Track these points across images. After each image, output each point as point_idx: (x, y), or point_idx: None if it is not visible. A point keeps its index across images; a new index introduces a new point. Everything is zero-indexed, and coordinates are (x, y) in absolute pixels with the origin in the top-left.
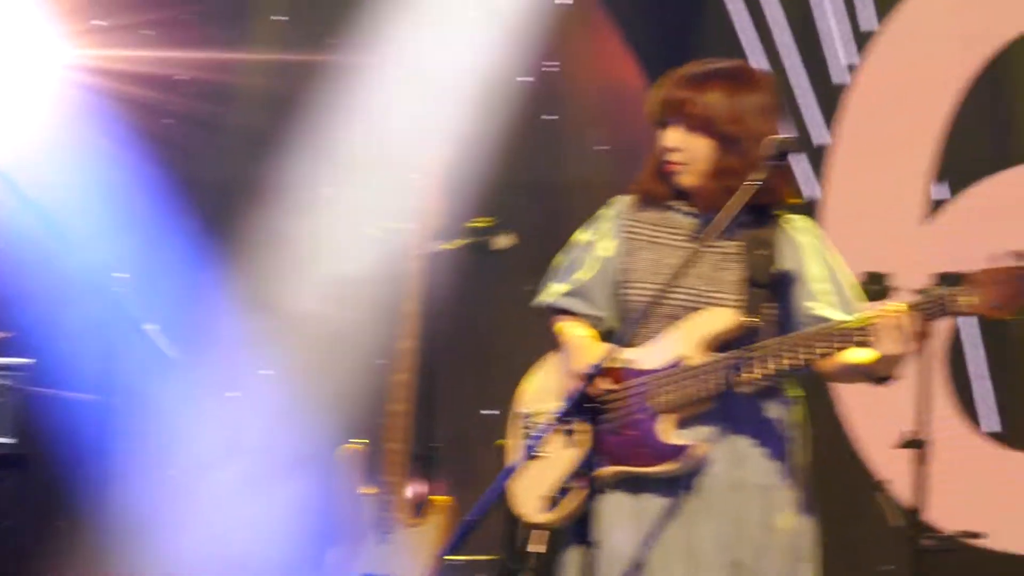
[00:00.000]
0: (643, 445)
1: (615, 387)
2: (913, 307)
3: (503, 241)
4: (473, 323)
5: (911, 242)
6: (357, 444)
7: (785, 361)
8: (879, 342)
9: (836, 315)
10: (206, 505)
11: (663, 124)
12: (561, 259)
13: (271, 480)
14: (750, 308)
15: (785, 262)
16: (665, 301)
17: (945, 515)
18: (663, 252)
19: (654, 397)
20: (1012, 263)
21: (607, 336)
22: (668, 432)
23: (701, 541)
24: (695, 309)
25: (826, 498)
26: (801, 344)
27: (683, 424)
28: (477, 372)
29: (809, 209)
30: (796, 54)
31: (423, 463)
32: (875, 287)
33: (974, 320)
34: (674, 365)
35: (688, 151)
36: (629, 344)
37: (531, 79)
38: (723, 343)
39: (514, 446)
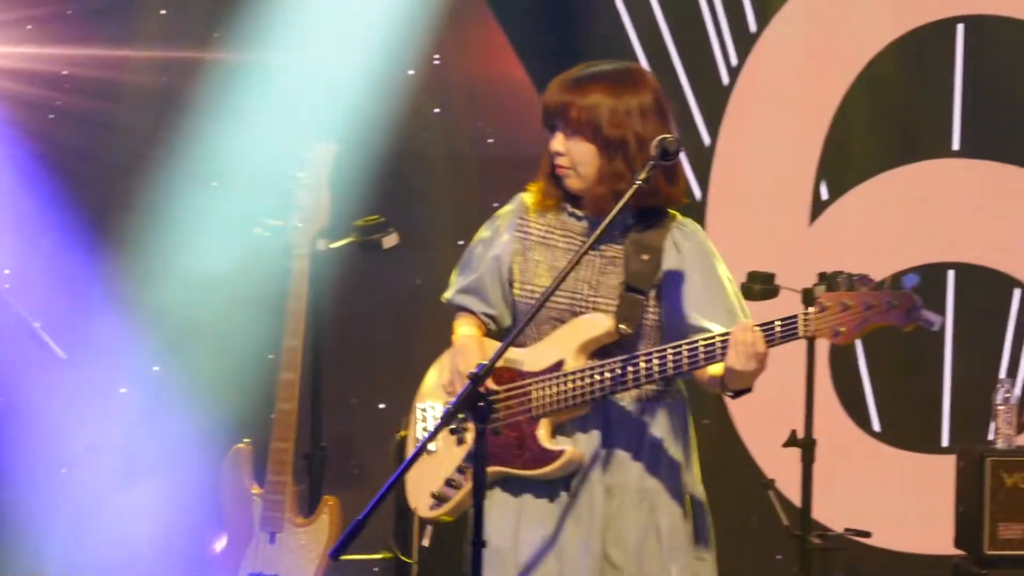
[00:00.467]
0: (522, 447)
1: (497, 388)
2: (761, 327)
3: (390, 240)
4: (361, 321)
5: (798, 242)
6: (244, 443)
7: (656, 370)
8: (728, 357)
9: (716, 326)
10: (91, 504)
11: (551, 128)
12: (466, 253)
13: (157, 479)
14: (626, 314)
15: (670, 267)
16: (551, 304)
17: (833, 513)
18: (555, 254)
19: (534, 400)
20: (862, 290)
21: (503, 335)
22: (545, 436)
23: (570, 543)
24: (577, 313)
25: (719, 497)
26: (672, 354)
27: (563, 428)
28: (365, 371)
29: (694, 209)
30: (683, 55)
31: (311, 462)
32: (761, 286)
33: None
34: (554, 368)
35: (573, 155)
36: (518, 345)
37: (416, 73)
38: (601, 348)
39: (412, 440)
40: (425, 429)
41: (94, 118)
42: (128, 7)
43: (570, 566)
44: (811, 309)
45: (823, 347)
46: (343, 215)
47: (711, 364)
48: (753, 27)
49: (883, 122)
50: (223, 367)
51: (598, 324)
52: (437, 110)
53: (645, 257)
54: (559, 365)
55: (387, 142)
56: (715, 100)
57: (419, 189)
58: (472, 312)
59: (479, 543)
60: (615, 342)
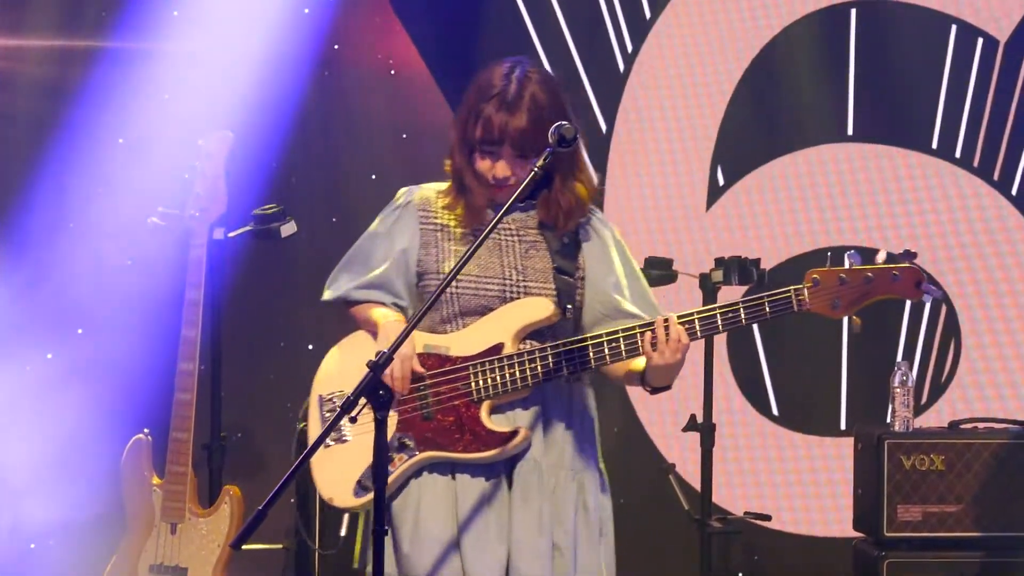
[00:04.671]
0: (461, 431)
1: (423, 372)
2: (683, 320)
3: (288, 228)
4: (260, 311)
5: (694, 228)
6: (143, 434)
7: (593, 355)
8: (651, 351)
9: (641, 313)
10: None
11: (491, 154)
12: (355, 250)
13: (58, 469)
14: (564, 297)
15: (592, 251)
16: (479, 292)
17: (733, 497)
18: (467, 244)
19: (475, 383)
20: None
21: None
22: (487, 419)
23: (521, 526)
24: (509, 299)
25: (620, 480)
26: (610, 340)
27: (498, 411)
28: (266, 360)
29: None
30: (579, 42)
31: (211, 453)
32: (659, 272)
33: None
34: (492, 352)
35: (519, 174)
36: (440, 333)
37: (314, 59)
38: (536, 331)
39: (314, 430)
40: (328, 418)
41: None
42: None
43: (523, 549)
44: (803, 284)
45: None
46: (241, 204)
47: (646, 354)
48: (648, 13)
49: (778, 107)
50: (121, 358)
51: (541, 308)
52: (342, 102)
53: (566, 240)
54: (498, 348)
55: (284, 131)
56: (611, 87)
57: (315, 179)
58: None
59: (381, 531)
60: (547, 326)
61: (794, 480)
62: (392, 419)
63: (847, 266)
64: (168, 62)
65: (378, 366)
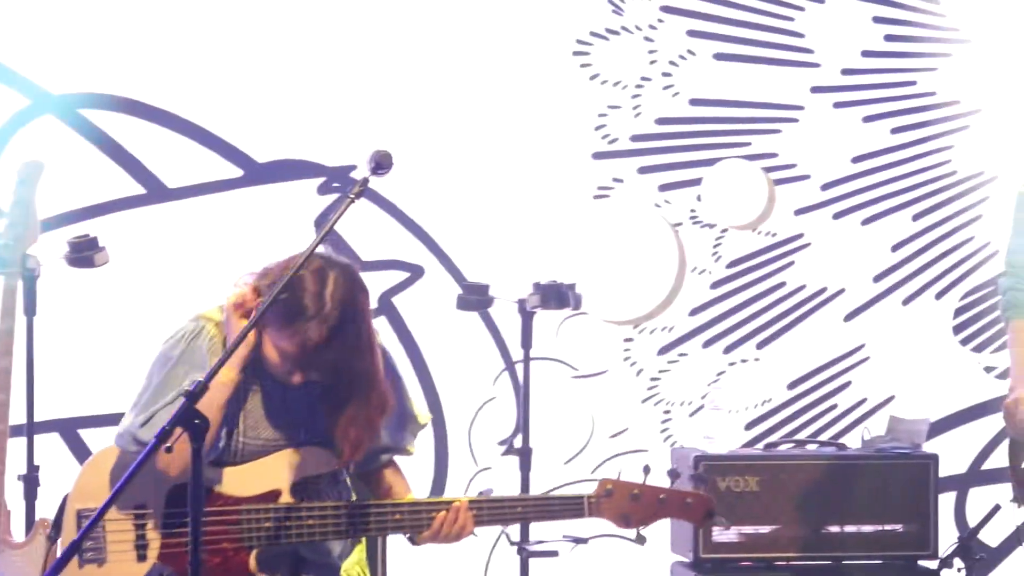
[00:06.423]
0: (225, 574)
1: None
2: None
3: (101, 257)
4: (75, 340)
5: None
6: None
7: (374, 524)
8: (430, 531)
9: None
10: None
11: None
12: (148, 381)
13: None
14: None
15: None
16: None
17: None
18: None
19: (245, 528)
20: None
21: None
22: (253, 565)
23: None
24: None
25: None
26: (410, 514)
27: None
28: (80, 389)
29: None
30: None
31: (26, 483)
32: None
33: None
34: (269, 498)
35: None
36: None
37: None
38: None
39: (67, 542)
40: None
41: None
42: None
43: None
44: (596, 494)
45: None
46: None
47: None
48: None
49: None
50: None
51: (320, 460)
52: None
53: None
54: (274, 495)
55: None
56: None
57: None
58: None
59: (196, 557)
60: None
61: None
62: (154, 546)
63: (643, 482)
64: None
65: (193, 395)
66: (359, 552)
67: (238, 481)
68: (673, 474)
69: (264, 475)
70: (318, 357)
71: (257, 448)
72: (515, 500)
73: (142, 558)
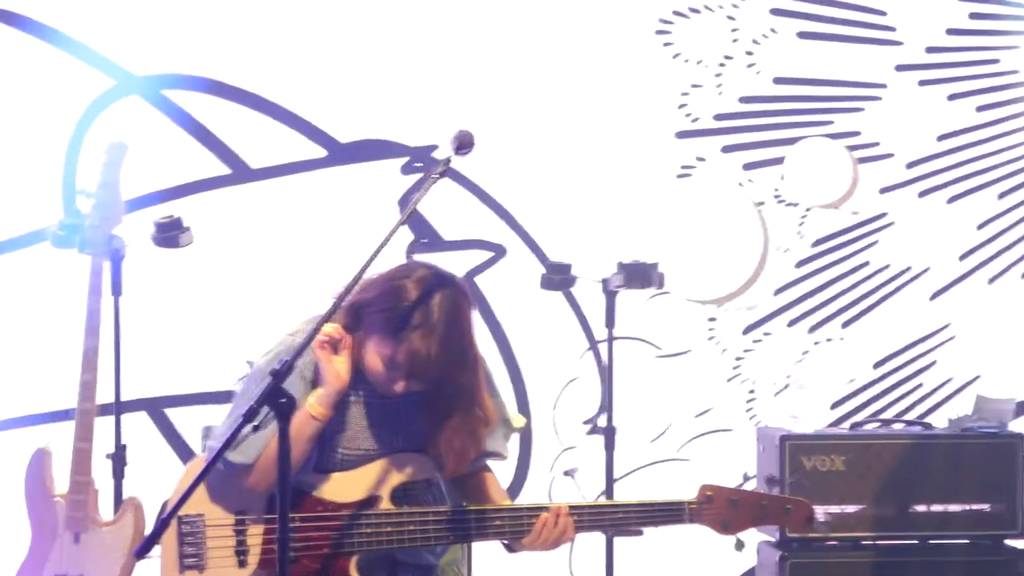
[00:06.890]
0: None
1: (303, 515)
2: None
3: (187, 238)
4: (162, 319)
5: None
6: (45, 444)
7: (492, 531)
8: (531, 536)
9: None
10: None
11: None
12: (244, 395)
13: None
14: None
15: None
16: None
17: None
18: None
19: (347, 534)
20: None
21: None
22: (354, 571)
23: None
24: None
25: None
26: (510, 519)
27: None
28: (166, 369)
29: None
30: None
31: (114, 462)
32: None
33: None
34: (368, 504)
35: None
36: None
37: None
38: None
39: (168, 549)
40: (185, 537)
41: None
42: None
43: None
44: (696, 500)
45: None
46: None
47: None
48: None
49: None
50: (22, 368)
51: (417, 466)
52: None
53: None
54: (374, 501)
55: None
56: None
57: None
58: None
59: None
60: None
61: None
62: (255, 552)
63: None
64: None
65: (279, 374)
66: (452, 553)
67: (339, 487)
68: (771, 481)
69: (364, 481)
70: (424, 368)
71: (356, 459)
72: (615, 506)
73: (242, 564)
